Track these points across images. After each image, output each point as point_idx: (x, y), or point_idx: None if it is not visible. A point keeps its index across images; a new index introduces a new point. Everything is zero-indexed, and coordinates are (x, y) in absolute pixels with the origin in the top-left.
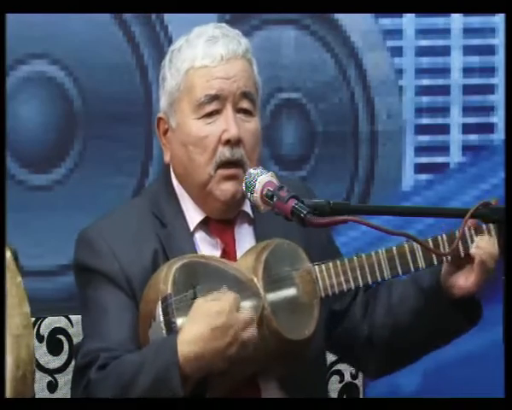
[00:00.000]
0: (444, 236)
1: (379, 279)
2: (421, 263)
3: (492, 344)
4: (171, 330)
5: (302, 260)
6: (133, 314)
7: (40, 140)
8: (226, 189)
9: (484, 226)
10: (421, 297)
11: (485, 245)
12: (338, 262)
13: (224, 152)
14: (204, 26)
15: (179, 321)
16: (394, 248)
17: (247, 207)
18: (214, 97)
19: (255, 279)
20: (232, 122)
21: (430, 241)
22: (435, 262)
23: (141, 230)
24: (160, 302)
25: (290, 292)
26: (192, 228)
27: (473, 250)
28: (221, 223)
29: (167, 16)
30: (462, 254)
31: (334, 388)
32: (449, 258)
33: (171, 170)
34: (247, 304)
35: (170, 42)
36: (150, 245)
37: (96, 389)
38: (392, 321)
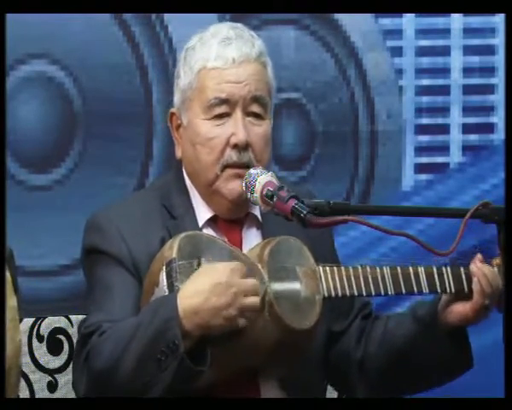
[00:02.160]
0: (448, 268)
1: (382, 292)
2: (425, 287)
3: (492, 344)
4: (174, 292)
5: (307, 258)
6: (138, 295)
7: (40, 140)
8: (233, 188)
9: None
10: (417, 325)
11: (487, 270)
12: (342, 267)
13: (232, 155)
14: (219, 25)
15: (182, 286)
16: (399, 267)
17: (255, 211)
18: (224, 101)
19: (260, 266)
20: (241, 126)
21: (435, 269)
22: (439, 289)
23: (150, 219)
24: (164, 267)
25: (293, 284)
26: (201, 224)
27: (475, 269)
28: (229, 222)
29: (167, 16)
30: (466, 289)
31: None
32: (452, 290)
33: (183, 165)
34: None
35: (170, 42)
36: (158, 234)
37: (96, 352)
38: (385, 347)
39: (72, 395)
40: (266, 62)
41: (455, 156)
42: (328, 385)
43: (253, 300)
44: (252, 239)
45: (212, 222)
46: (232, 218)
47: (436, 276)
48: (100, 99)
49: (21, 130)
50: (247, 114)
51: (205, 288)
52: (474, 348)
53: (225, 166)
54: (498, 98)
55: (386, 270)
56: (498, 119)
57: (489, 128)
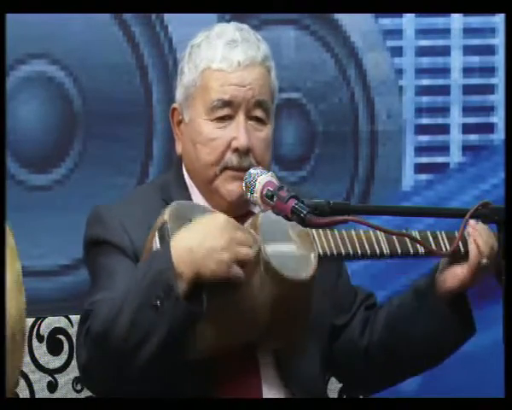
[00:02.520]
0: (443, 233)
1: (378, 253)
2: (421, 249)
3: (492, 344)
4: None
5: (298, 226)
6: None
7: (40, 140)
8: (232, 189)
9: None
10: (417, 300)
11: (481, 229)
12: (336, 231)
13: (232, 159)
14: (225, 26)
15: None
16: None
17: (255, 209)
18: (227, 103)
19: (253, 231)
20: (243, 130)
21: (429, 233)
22: (435, 249)
23: (150, 212)
24: (156, 232)
25: (287, 244)
26: None
27: (469, 229)
28: None
29: (167, 16)
30: (463, 251)
31: (334, 388)
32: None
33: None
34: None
35: (170, 42)
36: None
37: (95, 317)
38: (389, 331)
39: (72, 395)
40: (270, 67)
41: (455, 156)
42: (327, 384)
43: (247, 250)
44: None
45: None
46: (231, 216)
47: (431, 239)
48: (100, 99)
49: (21, 130)
50: (250, 118)
51: (200, 230)
52: (473, 348)
53: (225, 168)
54: (498, 98)
55: (381, 235)
56: (498, 119)
57: (489, 128)
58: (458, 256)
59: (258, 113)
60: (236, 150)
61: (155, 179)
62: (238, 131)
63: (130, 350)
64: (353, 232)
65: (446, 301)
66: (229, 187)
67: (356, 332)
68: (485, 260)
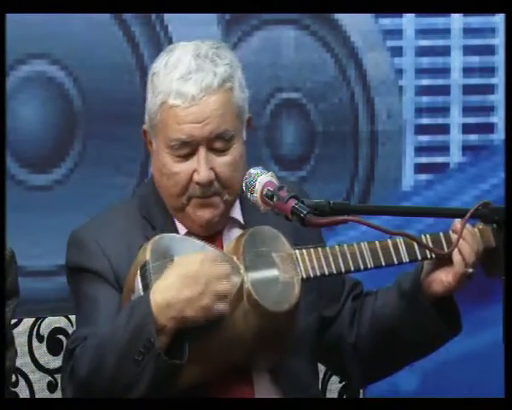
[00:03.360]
0: (428, 235)
1: (361, 267)
2: (405, 257)
3: (492, 344)
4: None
5: (283, 244)
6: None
7: (40, 140)
8: (201, 215)
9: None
10: (402, 300)
11: (468, 237)
12: (319, 249)
13: (196, 190)
14: (184, 52)
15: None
16: (377, 241)
17: (236, 214)
18: (185, 143)
19: (235, 258)
20: (203, 165)
21: (429, 238)
22: (419, 257)
23: (130, 230)
24: (138, 271)
25: (270, 270)
26: (182, 233)
27: (452, 236)
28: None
29: (167, 16)
30: (420, 258)
31: (334, 388)
32: (433, 256)
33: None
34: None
35: (170, 42)
36: (139, 245)
37: (78, 363)
38: (375, 326)
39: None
40: (232, 86)
41: (455, 156)
42: (327, 383)
43: (225, 285)
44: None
45: (191, 233)
46: (205, 235)
47: (415, 244)
48: (100, 99)
49: (21, 130)
50: (211, 150)
51: (176, 280)
52: (473, 348)
53: (190, 197)
54: (498, 98)
55: (364, 245)
56: (498, 119)
57: (489, 128)
58: (443, 260)
59: (219, 144)
60: (198, 183)
61: (134, 195)
62: (199, 165)
63: (115, 393)
64: (337, 248)
65: (432, 301)
66: (199, 213)
67: (345, 325)
68: (470, 270)
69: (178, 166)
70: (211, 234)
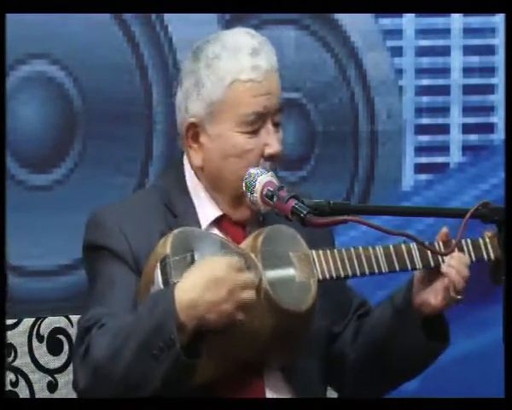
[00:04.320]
0: (440, 241)
1: (376, 271)
2: (418, 263)
3: (492, 344)
4: (170, 286)
5: (300, 244)
6: (137, 290)
7: (40, 140)
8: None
9: (453, 242)
10: (393, 315)
11: (456, 265)
12: (335, 251)
13: (266, 166)
14: (236, 33)
15: (177, 280)
16: (391, 246)
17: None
18: (260, 115)
19: (253, 255)
20: (274, 138)
21: (427, 243)
22: (432, 263)
23: (151, 215)
24: (158, 264)
25: (287, 270)
26: (204, 225)
27: (446, 269)
28: (233, 223)
29: (167, 16)
30: (432, 264)
31: None
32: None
33: (188, 169)
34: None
35: (170, 42)
36: (159, 229)
37: (94, 345)
38: (369, 341)
39: (72, 395)
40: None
41: (455, 156)
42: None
43: (249, 294)
44: None
45: (215, 222)
46: (245, 223)
47: (429, 251)
48: (100, 99)
49: (21, 130)
50: (274, 124)
51: (201, 282)
52: (473, 348)
53: None
54: (498, 98)
55: (379, 249)
56: (498, 119)
57: (489, 128)
58: (430, 271)
59: (279, 118)
60: (270, 157)
61: (154, 183)
62: (270, 139)
63: (128, 389)
64: (352, 251)
65: (423, 318)
66: None
67: (347, 342)
68: (459, 297)
69: (250, 142)
70: (240, 221)
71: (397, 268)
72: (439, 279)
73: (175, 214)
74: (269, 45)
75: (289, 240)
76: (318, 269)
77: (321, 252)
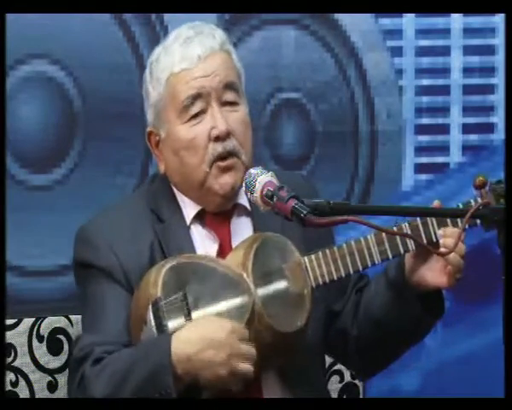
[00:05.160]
0: (434, 220)
1: (369, 265)
2: (411, 245)
3: (492, 344)
4: (163, 333)
5: (291, 253)
6: (130, 308)
7: (40, 140)
8: (225, 182)
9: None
10: (389, 291)
11: (450, 244)
12: (327, 251)
13: (216, 147)
14: (178, 29)
15: (170, 324)
16: (383, 233)
17: (243, 200)
18: (196, 97)
19: (245, 275)
20: (219, 117)
21: (419, 220)
22: (424, 241)
23: (138, 224)
24: (150, 306)
25: (280, 285)
26: (188, 222)
27: (444, 251)
28: (217, 217)
29: (167, 16)
30: (425, 241)
31: (334, 388)
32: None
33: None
34: (238, 301)
35: None
36: (147, 239)
37: (89, 385)
38: (368, 317)
39: None
40: (230, 50)
41: (455, 156)
42: (326, 380)
43: (247, 367)
44: (242, 229)
45: (199, 218)
46: (221, 210)
47: (421, 226)
48: (100, 99)
49: (21, 130)
50: (223, 104)
51: (201, 338)
52: (473, 348)
53: (212, 162)
54: (498, 98)
55: (371, 239)
56: (498, 119)
57: (489, 128)
58: (424, 254)
59: (229, 96)
60: (217, 138)
61: (141, 189)
62: (215, 120)
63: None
64: (345, 248)
65: (418, 292)
66: (222, 180)
67: (348, 318)
68: (459, 276)
69: (194, 130)
70: (222, 211)
71: (390, 256)
72: (433, 257)
73: (162, 219)
74: (210, 31)
75: (280, 251)
76: (311, 276)
77: (313, 257)
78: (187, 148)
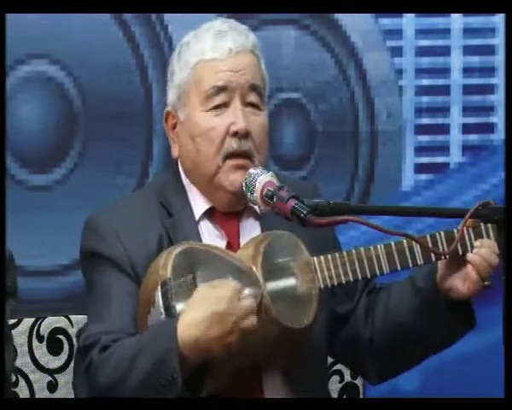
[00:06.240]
0: (442, 233)
1: (377, 273)
2: (420, 260)
3: (492, 344)
4: (171, 314)
5: (301, 252)
6: (136, 299)
7: (40, 140)
8: (234, 179)
9: (483, 228)
10: (417, 298)
11: (485, 253)
12: (337, 255)
13: (232, 143)
14: (212, 22)
15: (178, 306)
16: (393, 243)
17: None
18: (222, 89)
19: (254, 268)
20: (240, 114)
21: (428, 238)
22: (433, 259)
23: (147, 217)
24: (159, 287)
25: (289, 282)
26: (197, 217)
27: (471, 256)
28: (227, 215)
29: (167, 16)
30: (461, 253)
31: (334, 388)
32: (447, 257)
33: (179, 164)
34: (246, 292)
35: (170, 42)
36: (156, 232)
37: (96, 372)
38: (390, 323)
39: (72, 395)
40: (260, 56)
41: (455, 156)
42: (328, 384)
43: (251, 320)
44: (250, 230)
45: (209, 215)
46: (231, 210)
47: (430, 244)
48: (100, 99)
49: (21, 130)
50: (245, 104)
51: (203, 319)
52: (473, 348)
53: (226, 157)
54: (498, 98)
55: (381, 249)
56: (498, 119)
57: (489, 128)
58: (456, 260)
59: (253, 98)
60: (235, 134)
61: (151, 182)
62: (236, 116)
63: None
64: (354, 253)
65: (449, 302)
66: (232, 177)
67: (360, 322)
68: (486, 283)
69: (214, 120)
70: (232, 211)
71: (398, 268)
72: (463, 264)
73: (171, 213)
74: (243, 30)
75: (291, 249)
76: (320, 277)
77: (322, 258)
78: (204, 136)
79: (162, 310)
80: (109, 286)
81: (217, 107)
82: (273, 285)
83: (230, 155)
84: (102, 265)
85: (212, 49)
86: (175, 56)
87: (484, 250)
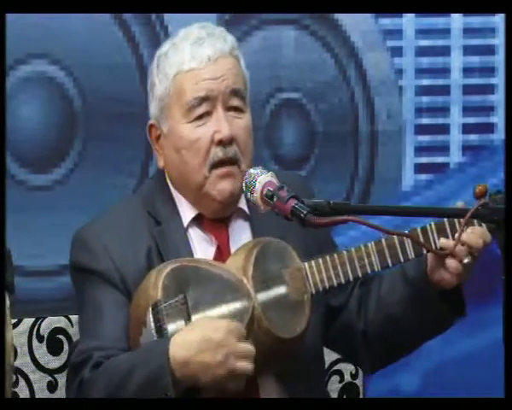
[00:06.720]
0: (433, 224)
1: (369, 272)
2: (411, 254)
3: (492, 344)
4: (163, 336)
5: (291, 258)
6: (127, 313)
7: (40, 140)
8: (223, 188)
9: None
10: (408, 288)
11: (468, 240)
12: (327, 257)
13: (217, 152)
14: (189, 28)
15: (170, 327)
16: (383, 239)
17: (242, 204)
18: (204, 99)
19: (245, 280)
20: (224, 122)
21: (419, 230)
22: (424, 251)
23: (135, 228)
24: (150, 309)
25: (280, 290)
26: (185, 224)
27: (444, 242)
28: (215, 220)
29: (167, 16)
30: (424, 252)
31: (334, 388)
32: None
33: (166, 174)
34: (238, 305)
35: None
36: (144, 243)
37: (88, 389)
38: (382, 313)
39: None
40: (239, 56)
41: (455, 156)
42: (326, 382)
43: (245, 364)
44: (240, 233)
45: (197, 222)
46: (219, 217)
47: (421, 235)
48: (100, 99)
49: (21, 130)
50: (228, 109)
51: (197, 341)
52: (473, 348)
53: (212, 166)
54: (498, 98)
55: (372, 247)
56: (498, 119)
57: (489, 128)
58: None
59: (235, 102)
60: (220, 142)
61: (138, 191)
62: (219, 124)
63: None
64: (345, 255)
65: (439, 291)
66: (220, 186)
67: (353, 313)
68: (466, 260)
69: (198, 131)
70: (221, 218)
71: (390, 264)
72: (451, 255)
73: (159, 222)
74: (220, 34)
75: (280, 256)
76: (311, 282)
77: (313, 263)
78: (189, 148)
79: (154, 332)
80: (100, 301)
81: (199, 117)
82: (264, 296)
83: (216, 164)
84: (92, 280)
85: (190, 58)
86: (154, 68)
87: (467, 237)
